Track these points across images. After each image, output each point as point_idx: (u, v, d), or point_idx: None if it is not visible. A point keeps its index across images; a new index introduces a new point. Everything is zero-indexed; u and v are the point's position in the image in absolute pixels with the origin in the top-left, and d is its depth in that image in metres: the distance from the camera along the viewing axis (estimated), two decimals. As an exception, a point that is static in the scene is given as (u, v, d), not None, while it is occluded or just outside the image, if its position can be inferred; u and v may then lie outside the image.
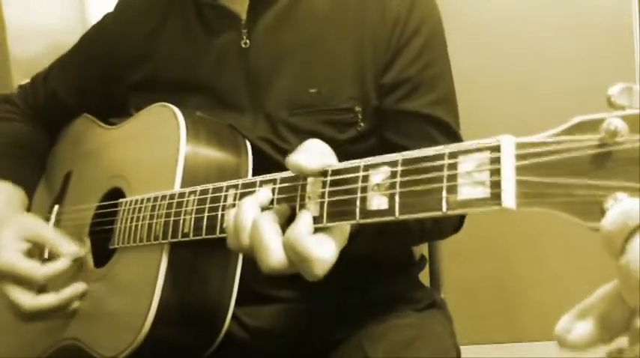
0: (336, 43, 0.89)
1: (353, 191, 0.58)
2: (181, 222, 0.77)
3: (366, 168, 0.58)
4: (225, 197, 0.72)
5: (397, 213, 0.54)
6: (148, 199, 0.84)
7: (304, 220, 0.60)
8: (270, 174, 0.68)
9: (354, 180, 0.58)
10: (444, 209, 0.50)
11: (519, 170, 0.45)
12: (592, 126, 0.42)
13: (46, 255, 0.92)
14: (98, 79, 1.05)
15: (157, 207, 0.81)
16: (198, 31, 0.95)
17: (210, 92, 0.93)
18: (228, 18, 0.92)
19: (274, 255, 0.61)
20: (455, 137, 0.92)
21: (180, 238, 0.77)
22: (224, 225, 0.70)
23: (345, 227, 0.62)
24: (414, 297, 1.00)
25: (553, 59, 2.05)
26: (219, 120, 0.90)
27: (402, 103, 0.89)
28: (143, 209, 0.84)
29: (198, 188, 0.77)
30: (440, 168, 0.51)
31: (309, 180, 0.62)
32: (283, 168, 0.65)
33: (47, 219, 1.04)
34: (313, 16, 0.91)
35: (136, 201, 0.86)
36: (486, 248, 2.10)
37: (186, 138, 0.84)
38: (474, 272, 2.09)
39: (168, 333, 0.82)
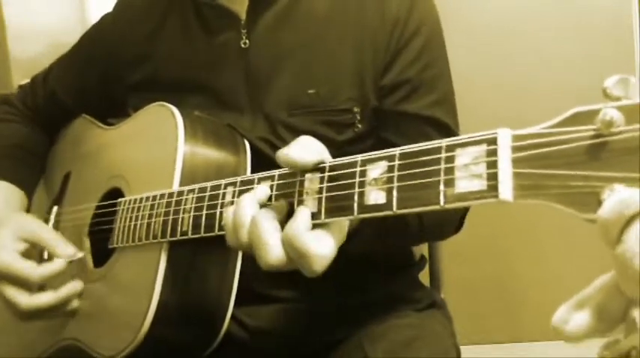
0: (336, 44, 0.89)
1: (351, 186, 0.58)
2: (180, 220, 0.77)
3: (364, 162, 0.58)
4: (224, 195, 0.72)
5: (395, 208, 0.54)
6: (147, 198, 0.84)
7: (302, 216, 0.60)
8: (267, 171, 0.68)
9: (352, 175, 0.58)
10: (442, 202, 0.50)
11: (516, 162, 0.45)
12: (588, 117, 0.42)
13: (45, 256, 0.92)
14: (97, 80, 1.05)
15: (156, 206, 0.81)
16: (197, 31, 0.95)
17: (210, 92, 0.93)
18: (228, 18, 0.92)
19: (273, 251, 0.61)
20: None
21: (179, 237, 0.77)
22: (222, 223, 0.70)
23: (343, 223, 0.62)
24: (414, 297, 1.00)
25: (553, 59, 2.06)
26: (218, 120, 0.90)
27: (401, 104, 0.89)
28: (142, 208, 0.84)
29: (197, 186, 0.77)
30: (437, 162, 0.51)
31: (307, 176, 0.62)
32: (282, 168, 0.65)
33: (46, 220, 1.04)
34: (313, 17, 0.91)
35: (135, 200, 0.87)
36: (486, 248, 2.10)
37: (184, 138, 0.84)
38: (474, 272, 2.09)
39: (167, 332, 0.82)
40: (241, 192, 0.69)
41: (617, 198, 0.38)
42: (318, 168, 0.62)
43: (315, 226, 0.61)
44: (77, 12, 1.85)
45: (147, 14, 1.00)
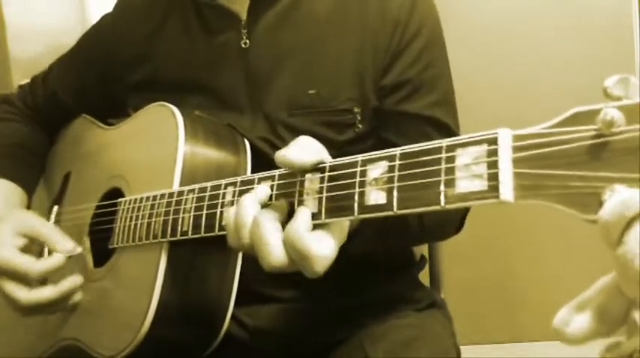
0: (337, 45, 0.89)
1: (351, 186, 0.58)
2: (180, 220, 0.77)
3: (364, 163, 0.58)
4: (224, 194, 0.72)
5: (395, 208, 0.54)
6: (147, 198, 0.84)
7: (302, 217, 0.60)
8: (268, 171, 0.68)
9: (352, 175, 0.58)
10: (442, 203, 0.50)
11: (516, 162, 0.45)
12: (588, 116, 0.42)
13: (45, 252, 0.92)
14: (97, 80, 1.05)
15: (156, 206, 0.81)
16: (197, 31, 0.95)
17: (210, 92, 0.93)
18: (228, 18, 0.92)
19: (275, 251, 0.61)
20: None
21: (179, 236, 0.77)
22: (223, 223, 0.70)
23: (344, 223, 0.62)
24: (414, 297, 1.00)
25: (553, 59, 2.05)
26: (218, 120, 0.90)
27: (402, 105, 0.89)
28: (142, 208, 0.84)
29: (197, 186, 0.77)
30: (438, 162, 0.51)
31: (307, 176, 0.62)
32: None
33: (46, 220, 1.04)
34: (314, 17, 0.91)
35: (135, 200, 0.86)
36: (486, 248, 2.10)
37: (184, 138, 0.84)
38: (474, 272, 2.09)
39: (167, 332, 0.82)
40: (241, 192, 0.69)
41: (618, 199, 0.38)
42: (318, 168, 0.62)
43: (315, 226, 0.60)
44: (77, 12, 1.85)
45: (147, 14, 1.00)
